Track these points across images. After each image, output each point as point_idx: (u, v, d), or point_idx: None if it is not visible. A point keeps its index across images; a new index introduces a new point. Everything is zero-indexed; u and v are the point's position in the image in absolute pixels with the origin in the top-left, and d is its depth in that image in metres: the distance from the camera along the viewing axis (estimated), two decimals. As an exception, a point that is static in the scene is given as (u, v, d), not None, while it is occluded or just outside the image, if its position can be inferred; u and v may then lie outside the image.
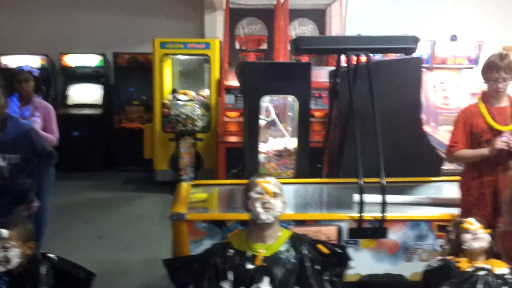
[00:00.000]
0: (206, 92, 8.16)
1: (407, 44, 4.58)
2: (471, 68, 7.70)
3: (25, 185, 3.86)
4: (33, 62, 8.48)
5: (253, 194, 2.91)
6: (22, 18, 9.38)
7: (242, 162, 5.38)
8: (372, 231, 3.79)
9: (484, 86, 3.78)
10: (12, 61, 8.69)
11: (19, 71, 5.06)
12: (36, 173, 3.96)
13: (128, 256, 5.48)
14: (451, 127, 3.97)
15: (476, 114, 3.71)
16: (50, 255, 3.15)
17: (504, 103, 3.71)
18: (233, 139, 7.22)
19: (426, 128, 6.42)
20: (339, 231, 3.78)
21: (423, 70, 6.29)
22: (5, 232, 2.89)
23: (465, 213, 3.61)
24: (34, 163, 3.85)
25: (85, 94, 9.23)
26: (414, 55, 5.07)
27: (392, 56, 6.42)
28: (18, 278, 2.92)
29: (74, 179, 8.32)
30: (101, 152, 9.05)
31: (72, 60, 9.17)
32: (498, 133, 3.60)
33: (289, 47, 6.29)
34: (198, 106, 7.56)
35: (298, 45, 4.60)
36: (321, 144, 5.54)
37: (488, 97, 3.73)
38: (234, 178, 5.30)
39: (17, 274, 2.93)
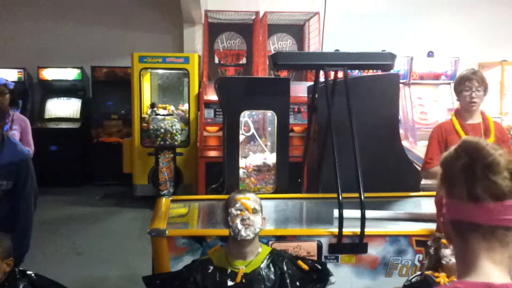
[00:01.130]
0: (185, 106, 8.17)
1: (384, 60, 4.63)
2: (448, 83, 7.82)
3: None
4: (10, 75, 8.39)
5: (232, 211, 2.91)
6: (-1, 31, 9.31)
7: (222, 177, 5.38)
8: (352, 247, 3.81)
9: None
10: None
11: None
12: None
13: (107, 272, 5.42)
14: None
15: (450, 131, 3.75)
16: (28, 272, 3.12)
17: (477, 119, 3.77)
18: (212, 153, 7.22)
19: (404, 143, 6.49)
20: (319, 247, 3.78)
21: (400, 86, 6.38)
22: None
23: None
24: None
25: (63, 108, 9.17)
26: (392, 71, 5.12)
27: (370, 71, 6.49)
28: (-5, 296, 2.89)
29: (51, 194, 8.22)
30: (79, 166, 8.97)
31: (49, 73, 9.10)
32: None
33: (268, 63, 6.33)
34: (177, 120, 7.55)
35: (277, 60, 4.62)
36: (301, 159, 5.56)
37: (462, 113, 3.78)
38: (214, 193, 5.29)
39: (-5, 292, 2.89)
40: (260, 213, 2.95)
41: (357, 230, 3.80)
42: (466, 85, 3.65)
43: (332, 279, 3.15)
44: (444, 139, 3.75)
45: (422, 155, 5.78)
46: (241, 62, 8.68)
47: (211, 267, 2.94)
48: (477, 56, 8.79)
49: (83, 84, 9.20)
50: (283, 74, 7.88)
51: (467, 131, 3.70)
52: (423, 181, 5.08)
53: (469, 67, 4.03)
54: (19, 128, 4.98)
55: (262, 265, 2.94)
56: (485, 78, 3.72)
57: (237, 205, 2.91)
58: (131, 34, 9.32)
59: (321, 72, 4.90)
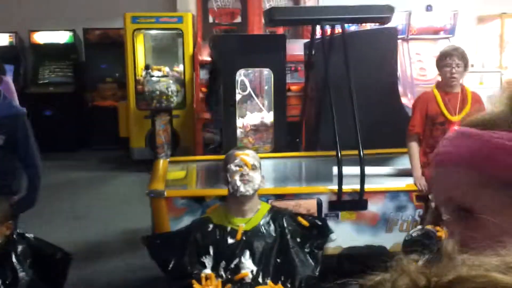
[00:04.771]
0: (180, 67, 8.04)
1: (382, 13, 4.55)
2: (447, 38, 7.69)
3: (8, 173, 3.65)
4: (1, 39, 8.26)
5: (232, 167, 2.88)
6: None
7: (220, 137, 5.33)
8: (351, 204, 3.79)
9: None
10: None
11: None
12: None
13: (106, 235, 5.41)
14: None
15: (430, 100, 3.92)
16: (27, 235, 3.10)
17: (456, 90, 3.90)
18: (210, 115, 7.12)
19: (403, 100, 6.41)
20: (319, 204, 3.76)
21: (399, 41, 6.26)
22: None
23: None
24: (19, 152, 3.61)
25: (56, 72, 9.04)
26: (390, 25, 5.03)
27: (367, 26, 6.37)
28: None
29: (47, 159, 8.00)
30: (75, 131, 8.88)
31: (41, 37, 8.95)
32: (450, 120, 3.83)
33: (263, 20, 6.21)
34: (172, 82, 7.44)
35: (272, 16, 4.53)
36: (298, 118, 5.50)
37: (442, 86, 3.92)
38: (212, 154, 5.24)
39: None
40: (259, 170, 2.92)
41: (357, 187, 3.78)
42: (447, 61, 3.79)
43: (332, 236, 3.14)
44: (425, 107, 3.92)
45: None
46: (236, 21, 8.52)
47: (211, 225, 2.92)
48: (476, 9, 8.63)
49: (76, 47, 9.06)
50: (279, 31, 7.74)
51: (446, 101, 3.86)
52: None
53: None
54: None
55: (262, 222, 2.92)
56: (466, 54, 3.87)
57: (236, 161, 2.89)
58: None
59: (318, 28, 4.81)
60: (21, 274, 2.88)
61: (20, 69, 8.71)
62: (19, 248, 2.95)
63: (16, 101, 5.01)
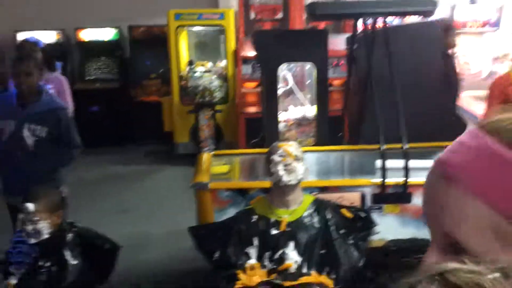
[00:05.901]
0: (223, 63, 8.11)
1: (424, 6, 4.50)
2: (493, 31, 7.54)
3: (49, 163, 3.83)
4: (48, 37, 8.48)
5: (275, 157, 2.91)
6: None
7: (262, 131, 5.37)
8: (395, 196, 3.77)
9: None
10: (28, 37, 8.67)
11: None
12: (58, 158, 3.93)
13: (151, 228, 5.51)
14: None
15: (509, 84, 3.75)
16: (77, 224, 3.20)
17: None
18: (252, 109, 7.17)
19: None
20: (363, 197, 3.76)
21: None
22: (31, 206, 2.93)
23: None
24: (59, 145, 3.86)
25: (102, 69, 9.22)
26: (435, 18, 4.97)
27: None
28: (46, 245, 2.97)
29: (94, 154, 8.31)
30: (120, 126, 9.04)
31: (87, 34, 9.13)
32: None
33: (304, 15, 6.22)
34: (215, 77, 7.52)
35: (314, 11, 4.53)
36: (341, 112, 5.48)
37: None
38: (255, 147, 5.29)
39: (45, 241, 2.97)
40: (302, 161, 2.94)
41: (401, 180, 3.75)
42: None
43: (376, 228, 3.14)
44: (505, 92, 3.76)
45: (465, 105, 5.65)
46: (277, 16, 8.53)
47: (255, 216, 2.96)
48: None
49: (121, 44, 9.22)
50: (321, 26, 7.72)
51: None
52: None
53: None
54: (54, 88, 5.03)
55: (305, 214, 2.94)
56: None
57: (279, 152, 2.92)
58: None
59: (360, 22, 4.79)
60: (71, 262, 2.97)
61: (67, 66, 8.91)
62: (69, 236, 3.05)
63: (68, 97, 5.15)
